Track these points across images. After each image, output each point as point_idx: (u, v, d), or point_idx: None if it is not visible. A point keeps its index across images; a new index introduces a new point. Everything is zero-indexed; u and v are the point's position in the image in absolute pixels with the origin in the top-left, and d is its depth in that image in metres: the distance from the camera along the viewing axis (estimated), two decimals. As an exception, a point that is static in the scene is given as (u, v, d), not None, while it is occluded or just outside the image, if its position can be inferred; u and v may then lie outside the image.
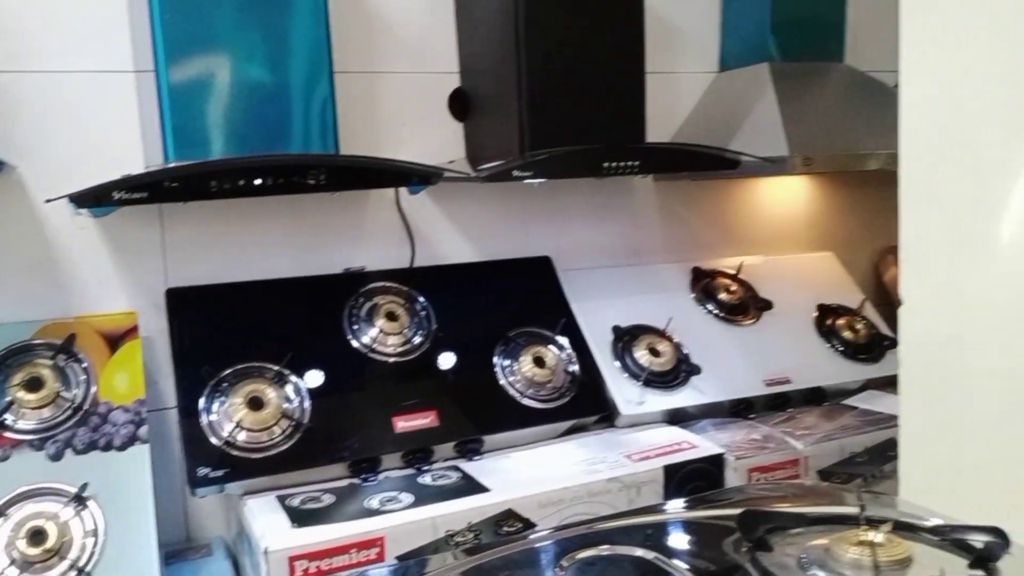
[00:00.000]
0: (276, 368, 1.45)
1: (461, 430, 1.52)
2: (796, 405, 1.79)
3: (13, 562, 1.20)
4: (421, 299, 1.64)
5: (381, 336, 1.56)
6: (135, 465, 1.33)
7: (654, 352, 1.72)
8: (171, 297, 1.48)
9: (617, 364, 1.71)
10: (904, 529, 0.75)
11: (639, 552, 0.76)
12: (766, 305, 1.91)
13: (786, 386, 1.78)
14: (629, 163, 1.52)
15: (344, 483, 1.41)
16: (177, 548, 1.48)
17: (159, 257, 1.51)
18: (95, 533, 1.26)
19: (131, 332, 1.43)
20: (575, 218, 1.87)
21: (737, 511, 0.77)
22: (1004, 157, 0.84)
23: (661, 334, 1.76)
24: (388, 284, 1.63)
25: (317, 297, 1.58)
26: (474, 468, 1.46)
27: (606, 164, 1.51)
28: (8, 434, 1.29)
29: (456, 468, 1.47)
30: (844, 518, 0.77)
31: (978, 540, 0.71)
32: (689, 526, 0.84)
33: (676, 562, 0.73)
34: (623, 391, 1.67)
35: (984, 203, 0.86)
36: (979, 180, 0.86)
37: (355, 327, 1.56)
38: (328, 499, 1.34)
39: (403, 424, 1.49)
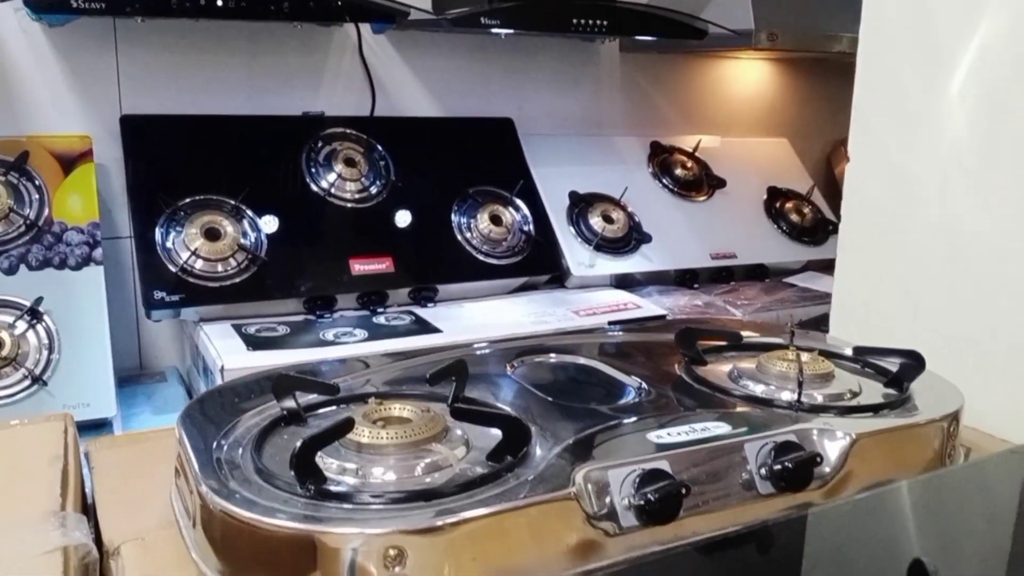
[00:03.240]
0: (233, 202, 1.45)
1: (416, 277, 1.56)
2: (739, 279, 1.86)
3: (-34, 368, 1.22)
4: (380, 148, 1.63)
5: (339, 181, 1.57)
6: (90, 285, 1.33)
7: (607, 219, 1.76)
8: (125, 124, 1.45)
9: (571, 228, 1.75)
10: (829, 356, 0.81)
11: (582, 360, 0.81)
12: (719, 183, 1.95)
13: (731, 260, 1.85)
14: (598, 21, 1.51)
15: (299, 318, 1.45)
16: (131, 374, 1.51)
17: (114, 83, 1.47)
18: (50, 347, 1.27)
19: (85, 155, 1.40)
20: (540, 83, 1.87)
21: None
22: (957, 37, 0.87)
23: (616, 203, 1.80)
24: (347, 131, 1.63)
25: (275, 138, 1.56)
26: (427, 313, 1.50)
27: (575, 20, 1.50)
28: (-40, 246, 1.28)
29: (410, 312, 1.51)
30: (775, 345, 0.83)
31: (895, 362, 0.77)
32: (631, 344, 0.89)
33: (618, 370, 0.78)
34: (575, 254, 1.71)
35: (935, 82, 0.89)
36: (934, 60, 0.89)
37: (313, 170, 1.56)
38: (283, 330, 1.37)
39: (359, 267, 1.51)
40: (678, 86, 2.03)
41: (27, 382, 1.23)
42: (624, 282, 1.75)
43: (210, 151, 1.51)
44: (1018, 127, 0.84)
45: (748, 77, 2.13)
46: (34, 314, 1.27)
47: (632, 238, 1.77)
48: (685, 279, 1.80)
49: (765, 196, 1.99)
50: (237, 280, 1.42)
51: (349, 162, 1.59)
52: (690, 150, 1.97)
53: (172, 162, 1.47)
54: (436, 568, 0.50)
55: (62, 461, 0.63)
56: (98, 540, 0.60)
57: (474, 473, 0.56)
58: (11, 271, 1.29)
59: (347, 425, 0.56)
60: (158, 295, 1.35)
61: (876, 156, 0.96)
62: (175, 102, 1.52)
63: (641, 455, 0.58)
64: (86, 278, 1.34)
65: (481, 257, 1.63)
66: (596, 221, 1.75)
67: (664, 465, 0.57)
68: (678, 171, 1.92)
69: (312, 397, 0.66)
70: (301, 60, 1.62)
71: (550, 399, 0.70)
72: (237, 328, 1.36)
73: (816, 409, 0.70)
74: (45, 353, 1.27)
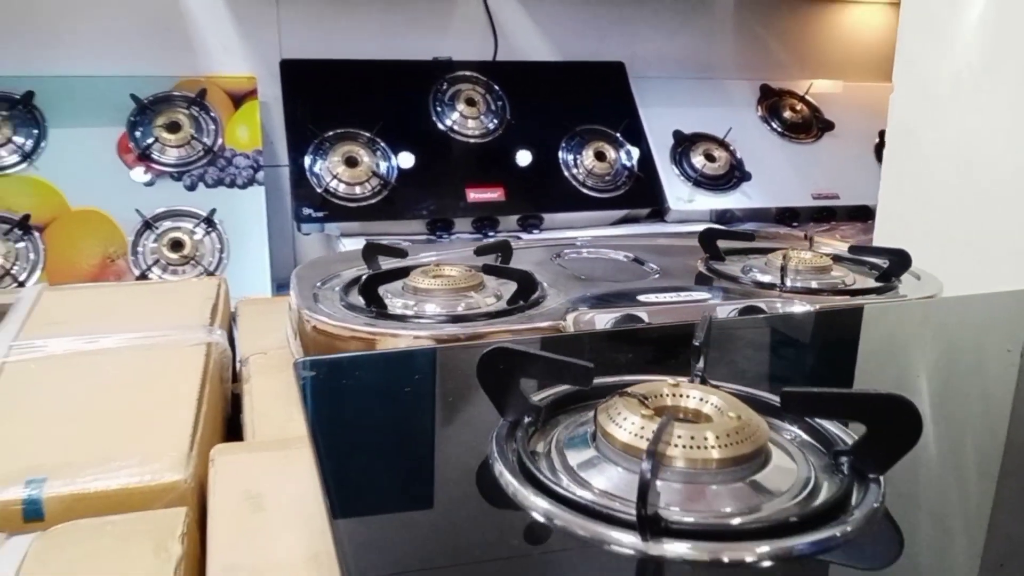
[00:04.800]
0: (368, 135, 1.69)
1: (524, 206, 1.75)
2: (842, 220, 1.92)
3: (157, 262, 1.53)
4: (499, 90, 1.82)
5: (460, 119, 1.77)
6: (253, 201, 1.62)
7: (709, 157, 1.87)
8: (284, 67, 1.72)
9: (673, 166, 1.87)
10: (837, 257, 0.93)
11: (618, 254, 0.97)
12: (827, 126, 2.01)
13: (834, 201, 1.91)
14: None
15: (422, 238, 1.67)
16: (287, 282, 1.79)
17: (275, 31, 1.74)
18: (221, 250, 1.57)
19: (251, 94, 1.69)
20: (653, 28, 1.98)
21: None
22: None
23: (719, 142, 1.90)
24: (471, 74, 1.83)
25: (408, 79, 1.79)
26: (531, 238, 1.69)
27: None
28: (154, 165, 1.59)
29: (516, 236, 1.70)
30: (791, 247, 0.95)
31: (886, 260, 0.89)
32: (668, 246, 1.04)
33: (645, 262, 0.94)
34: (675, 189, 1.84)
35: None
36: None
37: (438, 109, 1.78)
38: (406, 245, 1.60)
39: (474, 195, 1.72)
40: (792, 30, 2.08)
41: (203, 278, 1.52)
42: (723, 218, 1.86)
43: (352, 91, 1.75)
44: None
45: (864, 21, 2.14)
46: (209, 223, 1.57)
47: (733, 176, 1.88)
48: (785, 217, 1.88)
49: (876, 140, 2.02)
50: (371, 202, 1.66)
51: (470, 102, 1.79)
52: (801, 93, 2.03)
53: (321, 100, 1.72)
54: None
55: (213, 300, 0.87)
56: (235, 357, 0.84)
57: (496, 310, 0.75)
58: (192, 188, 1.59)
59: (404, 271, 0.76)
60: (307, 211, 1.62)
61: (913, 82, 1.05)
62: (326, 47, 1.77)
63: (627, 307, 0.75)
64: (251, 196, 1.63)
65: (585, 190, 1.80)
66: (698, 159, 1.87)
67: (642, 313, 0.73)
68: (786, 113, 1.99)
69: (392, 260, 0.87)
70: (431, 12, 1.83)
71: (574, 274, 0.87)
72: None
73: (801, 291, 0.83)
74: (218, 255, 1.56)
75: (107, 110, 1.60)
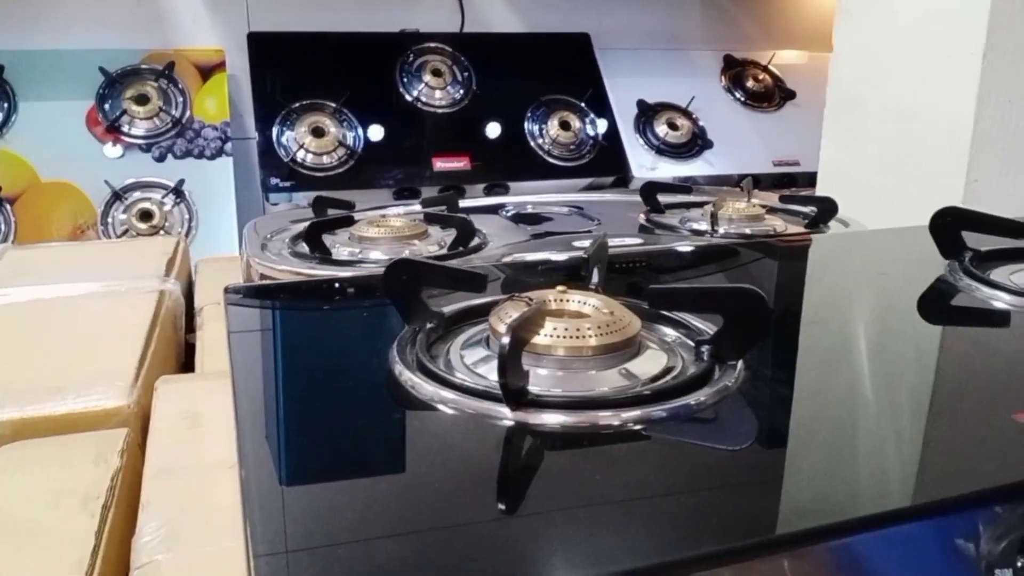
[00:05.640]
0: (335, 105, 1.72)
1: (490, 175, 1.78)
2: (803, 186, 1.96)
3: (126, 232, 1.56)
4: (465, 61, 1.85)
5: (427, 90, 1.80)
6: (222, 172, 1.65)
7: (672, 126, 1.91)
8: (252, 40, 1.74)
9: (637, 135, 1.91)
10: (771, 209, 0.97)
11: (562, 210, 1.01)
12: (789, 95, 2.04)
13: (794, 168, 1.96)
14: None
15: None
16: (255, 251, 1.82)
17: (242, 3, 1.76)
18: (190, 220, 1.60)
19: (219, 66, 1.71)
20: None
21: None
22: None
23: (682, 111, 1.94)
24: (438, 45, 1.85)
25: (375, 51, 1.81)
26: (496, 204, 1.73)
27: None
28: (123, 137, 1.61)
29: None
30: (726, 198, 0.99)
31: (814, 208, 0.93)
32: (606, 202, 1.08)
33: (586, 216, 0.97)
34: (638, 157, 1.88)
35: None
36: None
37: (405, 80, 1.80)
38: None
39: (441, 164, 1.75)
40: (757, 1, 2.12)
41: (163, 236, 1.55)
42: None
43: (320, 63, 1.77)
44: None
45: (831, -8, 2.17)
46: (178, 193, 1.59)
47: (696, 144, 1.91)
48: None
49: (838, 108, 2.06)
50: (338, 171, 1.69)
51: (436, 73, 1.82)
52: (764, 63, 2.07)
53: (288, 72, 1.74)
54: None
55: (170, 255, 0.91)
56: (191, 308, 0.87)
57: (437, 255, 0.78)
58: (160, 159, 1.62)
59: (349, 220, 0.79)
60: (274, 181, 1.65)
61: (854, 43, 1.09)
62: (292, 20, 1.80)
63: (562, 252, 0.79)
64: (219, 167, 1.65)
65: (550, 159, 1.83)
66: (661, 128, 1.90)
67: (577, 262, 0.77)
68: (749, 83, 2.03)
69: (338, 212, 0.90)
70: (398, -17, 1.85)
71: (514, 223, 0.91)
72: (334, 209, 1.63)
73: (733, 237, 0.87)
74: (187, 225, 1.59)
75: (76, 83, 1.63)
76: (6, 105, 1.57)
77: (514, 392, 0.35)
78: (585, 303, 0.42)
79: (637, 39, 2.05)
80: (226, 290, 0.54)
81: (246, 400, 0.41)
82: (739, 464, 0.35)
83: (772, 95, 2.04)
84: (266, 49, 1.75)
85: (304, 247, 0.82)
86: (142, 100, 1.63)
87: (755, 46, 2.12)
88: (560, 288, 0.43)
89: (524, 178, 1.81)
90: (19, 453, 0.52)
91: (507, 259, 0.72)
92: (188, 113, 1.66)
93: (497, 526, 0.30)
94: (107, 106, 1.62)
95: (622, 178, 1.89)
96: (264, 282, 0.63)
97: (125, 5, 1.71)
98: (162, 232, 1.56)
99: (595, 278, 0.47)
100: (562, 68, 1.94)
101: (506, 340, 0.34)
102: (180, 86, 1.66)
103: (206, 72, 1.70)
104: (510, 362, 0.34)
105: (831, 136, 1.13)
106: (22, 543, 0.42)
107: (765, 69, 2.07)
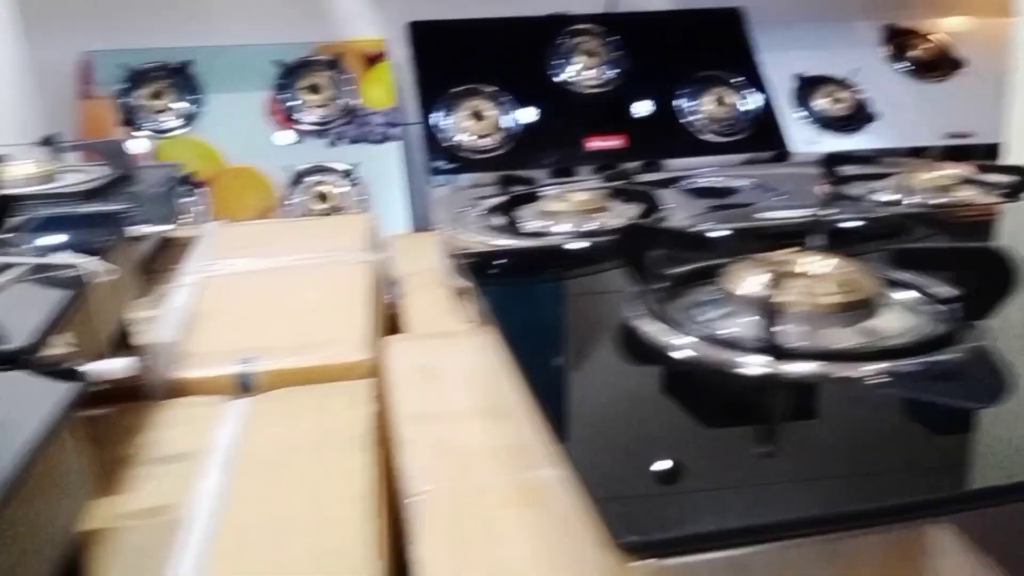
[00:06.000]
0: (491, 89, 1.77)
1: (645, 153, 1.79)
2: (977, 158, 1.86)
3: (304, 213, 1.67)
4: (615, 40, 1.86)
5: (577, 70, 1.83)
6: (390, 156, 1.73)
7: (833, 99, 1.85)
8: (412, 28, 1.82)
9: (795, 109, 1.86)
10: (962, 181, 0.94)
11: (735, 181, 1.02)
12: (958, 64, 1.94)
13: (967, 139, 1.86)
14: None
15: (545, 186, 1.75)
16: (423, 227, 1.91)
17: (402, -7, 1.85)
18: (363, 202, 1.69)
19: (381, 55, 1.79)
20: (774, -29, 1.97)
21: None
22: None
23: (843, 84, 1.88)
24: (588, 27, 1.87)
25: (527, 34, 1.85)
26: (651, 182, 1.74)
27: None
28: (299, 126, 1.73)
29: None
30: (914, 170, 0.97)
31: (1011, 177, 0.89)
32: (783, 175, 1.07)
33: (768, 188, 0.98)
34: (798, 132, 1.83)
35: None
36: None
37: (556, 62, 1.83)
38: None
39: (594, 144, 1.77)
40: (923, -34, 2.02)
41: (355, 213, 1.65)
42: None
43: (474, 48, 1.83)
44: None
45: (1006, -49, 2.04)
46: (349, 176, 1.69)
47: (859, 117, 1.85)
48: (915, 157, 1.85)
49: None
50: (498, 152, 1.75)
51: (589, 53, 1.84)
52: (928, 32, 1.97)
53: (446, 58, 1.81)
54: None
55: (367, 230, 0.98)
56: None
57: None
58: (333, 144, 1.72)
59: (533, 196, 0.83)
60: (437, 164, 1.72)
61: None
62: (449, 7, 1.86)
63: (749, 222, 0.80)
64: (387, 151, 1.74)
65: (705, 136, 1.82)
66: (820, 102, 1.85)
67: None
68: (913, 52, 1.94)
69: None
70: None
71: (692, 196, 0.92)
72: (495, 190, 1.69)
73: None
74: (361, 206, 1.69)
75: (255, 76, 1.75)
76: (196, 97, 1.71)
77: (776, 348, 0.37)
78: (821, 264, 0.44)
79: (791, 11, 1.99)
80: (457, 258, 0.59)
81: (526, 352, 0.45)
82: (988, 419, 0.36)
83: (939, 64, 1.94)
84: (424, 37, 1.82)
85: (495, 221, 0.87)
86: (315, 89, 1.74)
87: (917, 14, 2.02)
88: (795, 249, 0.45)
89: (680, 155, 1.80)
90: (283, 398, 0.58)
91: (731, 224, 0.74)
92: (356, 100, 1.75)
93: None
94: (284, 96, 1.73)
95: (781, 153, 1.85)
96: (493, 249, 0.68)
97: (294, 3, 1.82)
98: (341, 212, 1.66)
99: (821, 241, 0.48)
100: (713, 44, 1.92)
101: (768, 299, 0.36)
102: (348, 76, 1.76)
103: (370, 61, 1.78)
104: (774, 319, 0.36)
105: (1022, 103, 1.08)
106: (311, 475, 0.48)
107: (929, 37, 1.97)
